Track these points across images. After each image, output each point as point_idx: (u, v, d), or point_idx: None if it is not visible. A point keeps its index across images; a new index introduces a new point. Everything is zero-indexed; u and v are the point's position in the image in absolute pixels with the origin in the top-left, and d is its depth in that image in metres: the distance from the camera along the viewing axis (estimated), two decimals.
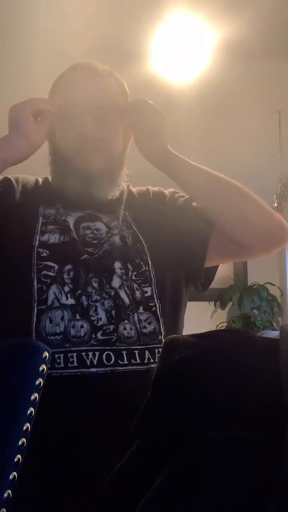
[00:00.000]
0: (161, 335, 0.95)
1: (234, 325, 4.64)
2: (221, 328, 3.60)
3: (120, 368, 0.88)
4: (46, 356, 0.71)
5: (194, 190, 1.06)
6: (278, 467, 0.42)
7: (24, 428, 0.66)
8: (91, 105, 1.01)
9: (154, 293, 0.98)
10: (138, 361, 0.90)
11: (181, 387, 0.52)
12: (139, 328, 0.93)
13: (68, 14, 2.35)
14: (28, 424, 0.67)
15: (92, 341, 0.89)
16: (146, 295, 0.97)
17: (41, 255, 0.95)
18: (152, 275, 1.00)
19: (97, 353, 0.88)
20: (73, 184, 1.02)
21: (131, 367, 0.89)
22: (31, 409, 0.67)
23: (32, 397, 0.68)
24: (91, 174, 1.02)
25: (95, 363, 0.87)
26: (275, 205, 3.26)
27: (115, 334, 0.91)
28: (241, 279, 4.84)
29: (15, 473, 0.64)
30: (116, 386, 0.87)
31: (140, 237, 1.04)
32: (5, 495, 0.62)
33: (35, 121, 0.99)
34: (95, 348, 0.89)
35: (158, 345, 0.93)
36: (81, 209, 1.04)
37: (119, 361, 0.89)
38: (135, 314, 0.94)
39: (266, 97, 3.06)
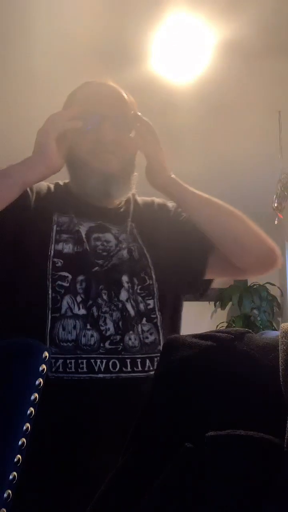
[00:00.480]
0: (160, 345, 1.03)
1: (234, 325, 4.65)
2: (221, 328, 3.60)
3: (124, 374, 0.96)
4: (46, 356, 0.71)
5: (195, 218, 1.12)
6: (279, 467, 0.42)
7: (24, 428, 0.66)
8: (106, 111, 1.08)
9: (156, 306, 1.06)
10: (140, 368, 0.98)
11: (181, 387, 0.52)
12: (142, 338, 1.01)
13: (69, 15, 2.35)
14: (28, 424, 0.67)
15: (100, 350, 0.97)
16: (148, 307, 1.05)
17: (56, 265, 1.01)
18: (155, 288, 1.07)
19: (104, 361, 0.96)
20: (93, 185, 1.09)
21: (133, 374, 0.97)
22: (31, 409, 0.67)
23: (32, 397, 0.68)
24: (109, 174, 1.08)
25: (102, 369, 0.95)
26: (275, 205, 3.25)
27: (121, 344, 0.98)
28: (241, 279, 4.85)
29: (15, 473, 0.64)
30: (120, 391, 0.94)
31: (145, 251, 1.10)
32: (5, 495, 0.62)
33: (57, 146, 1.03)
34: (103, 356, 0.96)
35: (157, 355, 1.00)
36: (92, 219, 1.10)
37: (123, 369, 0.97)
38: (139, 325, 1.02)
39: (266, 97, 3.05)
